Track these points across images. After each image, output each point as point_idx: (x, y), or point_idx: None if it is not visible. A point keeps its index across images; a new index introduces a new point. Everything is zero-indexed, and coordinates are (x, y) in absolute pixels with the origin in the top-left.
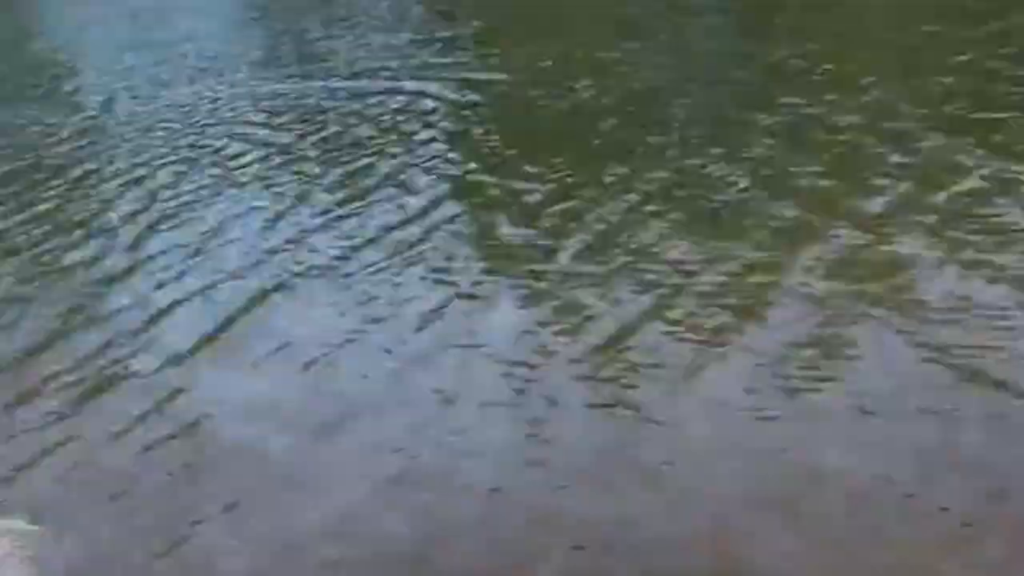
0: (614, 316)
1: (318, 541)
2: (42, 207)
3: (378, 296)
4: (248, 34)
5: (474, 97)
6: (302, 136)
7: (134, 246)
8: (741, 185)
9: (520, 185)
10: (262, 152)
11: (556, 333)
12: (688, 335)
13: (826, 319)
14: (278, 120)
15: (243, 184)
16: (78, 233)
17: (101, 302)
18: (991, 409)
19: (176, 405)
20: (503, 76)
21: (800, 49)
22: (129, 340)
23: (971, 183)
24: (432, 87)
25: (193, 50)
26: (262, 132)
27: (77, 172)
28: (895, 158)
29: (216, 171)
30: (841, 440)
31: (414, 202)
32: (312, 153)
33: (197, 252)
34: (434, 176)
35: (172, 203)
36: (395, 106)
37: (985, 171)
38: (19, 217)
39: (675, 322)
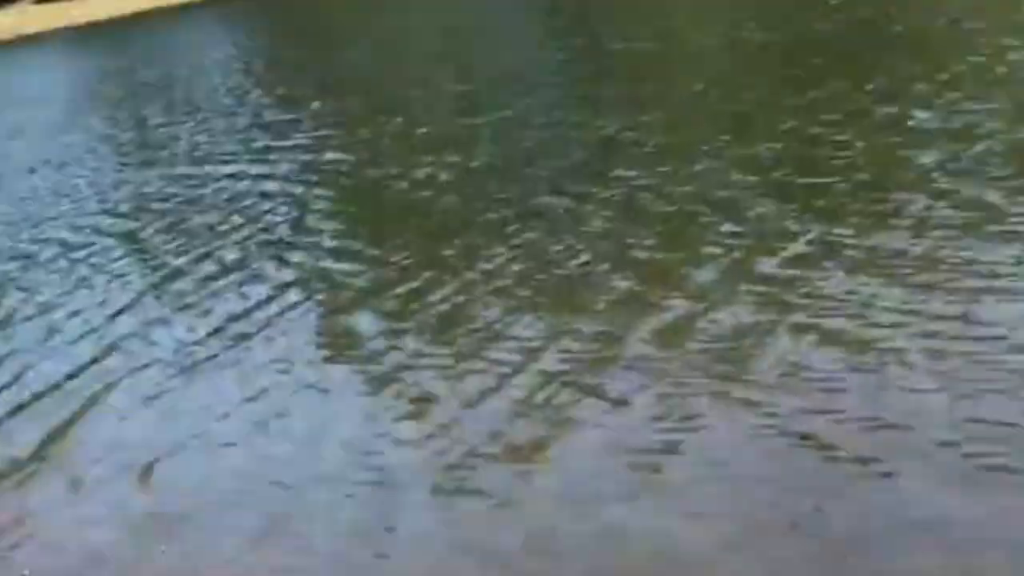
0: (457, 398)
1: None
2: None
3: (220, 389)
4: (88, 123)
5: (314, 180)
6: (143, 226)
7: None
8: (580, 259)
9: (362, 268)
10: (103, 243)
11: (399, 418)
12: (532, 414)
13: (665, 391)
14: (120, 209)
15: (84, 278)
16: None
17: None
18: (823, 472)
19: None
20: (343, 156)
21: (632, 120)
22: None
23: (799, 248)
24: (273, 171)
25: (31, 141)
26: (104, 222)
27: None
28: (726, 226)
29: (57, 264)
30: (687, 511)
31: (257, 290)
32: (153, 243)
33: (35, 350)
34: (276, 262)
35: (10, 300)
36: (237, 192)
37: (811, 236)
38: None
39: (519, 402)
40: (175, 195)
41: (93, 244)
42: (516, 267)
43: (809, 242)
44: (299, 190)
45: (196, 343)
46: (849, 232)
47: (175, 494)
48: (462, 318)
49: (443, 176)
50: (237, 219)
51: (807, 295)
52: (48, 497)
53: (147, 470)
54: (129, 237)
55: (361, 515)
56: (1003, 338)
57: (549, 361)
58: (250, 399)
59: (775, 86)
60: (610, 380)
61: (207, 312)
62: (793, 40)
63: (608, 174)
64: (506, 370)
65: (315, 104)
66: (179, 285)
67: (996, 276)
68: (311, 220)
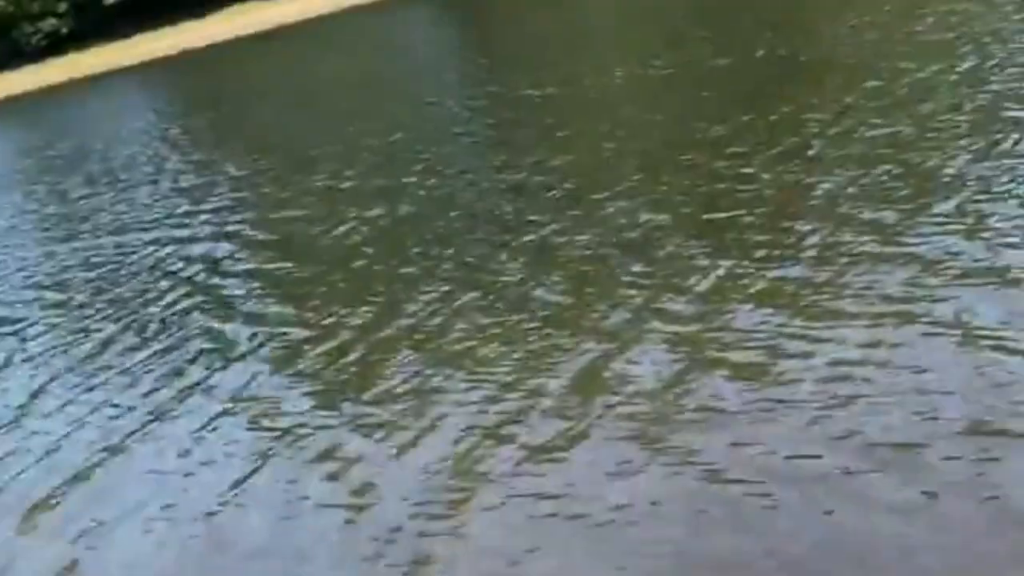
0: (377, 457)
1: None
2: None
3: (140, 463)
4: (7, 200)
5: (235, 242)
6: (66, 299)
7: None
8: (493, 309)
9: (283, 329)
10: (29, 317)
11: (319, 480)
12: (452, 469)
13: (583, 438)
14: (44, 283)
15: (8, 354)
16: None
17: None
18: (736, 508)
19: None
20: (263, 216)
21: (542, 165)
22: None
23: (707, 284)
24: (194, 235)
25: None
26: (28, 296)
27: None
28: (637, 267)
29: None
30: (604, 555)
31: (176, 360)
32: (76, 315)
33: None
34: (198, 330)
35: None
36: (159, 258)
37: (719, 271)
38: None
39: (439, 458)
40: (99, 265)
41: (18, 319)
42: (434, 321)
43: (718, 277)
44: (220, 253)
45: (117, 417)
46: (756, 265)
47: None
48: (380, 376)
49: (363, 231)
50: (160, 286)
51: (718, 329)
52: None
53: (73, 547)
54: (54, 310)
55: None
56: (905, 361)
57: (467, 415)
58: (170, 472)
59: (678, 122)
60: (529, 430)
61: (128, 385)
62: (695, 76)
63: (520, 221)
64: (424, 425)
65: (231, 168)
66: (102, 358)
67: (897, 300)
68: (232, 284)
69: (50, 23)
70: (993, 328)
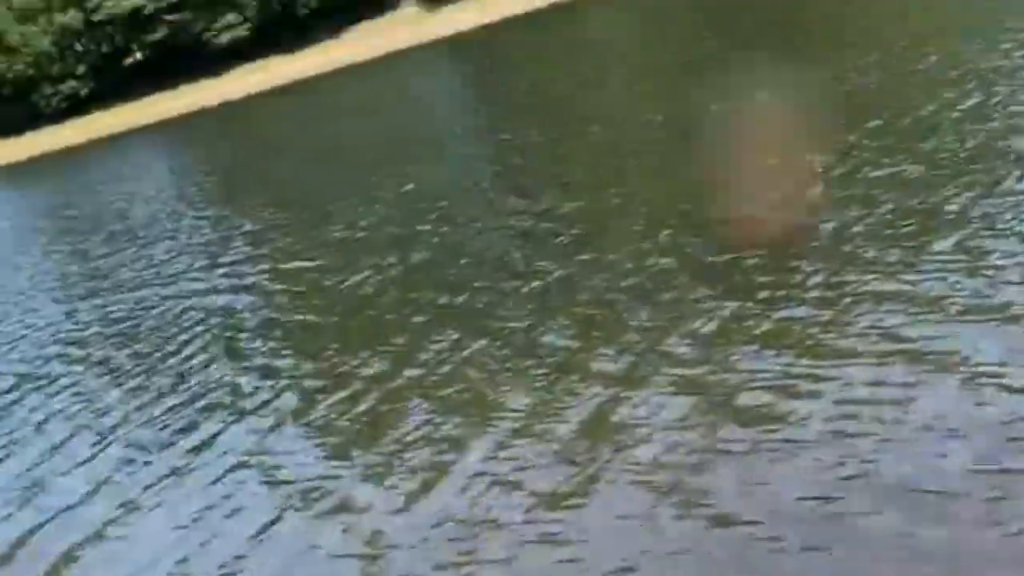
0: (386, 507)
1: None
2: None
3: (157, 521)
4: (29, 261)
5: (252, 294)
6: (89, 355)
7: None
8: (502, 356)
9: (296, 380)
10: (52, 374)
11: (331, 530)
12: (461, 516)
13: (586, 481)
14: (68, 339)
15: (32, 409)
16: None
17: None
18: (743, 551)
19: None
20: (280, 267)
21: (550, 212)
22: None
23: (713, 326)
24: (211, 289)
25: None
26: (53, 352)
27: None
28: (643, 311)
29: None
30: None
31: (191, 414)
32: (98, 370)
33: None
34: (210, 383)
35: None
36: (178, 312)
37: (726, 313)
38: None
39: (452, 508)
40: (118, 321)
41: (40, 376)
42: (443, 369)
43: (723, 319)
44: (236, 307)
45: (134, 472)
46: (761, 306)
47: None
48: (391, 425)
49: (375, 280)
50: (176, 341)
51: (723, 372)
52: None
53: None
54: (74, 366)
55: None
56: (911, 400)
57: (477, 462)
58: (186, 527)
59: (683, 167)
60: (539, 476)
61: (145, 440)
62: (700, 120)
63: (528, 267)
64: (434, 474)
65: (247, 224)
66: (120, 413)
67: (902, 339)
68: (246, 337)
69: (70, 85)
70: (996, 365)
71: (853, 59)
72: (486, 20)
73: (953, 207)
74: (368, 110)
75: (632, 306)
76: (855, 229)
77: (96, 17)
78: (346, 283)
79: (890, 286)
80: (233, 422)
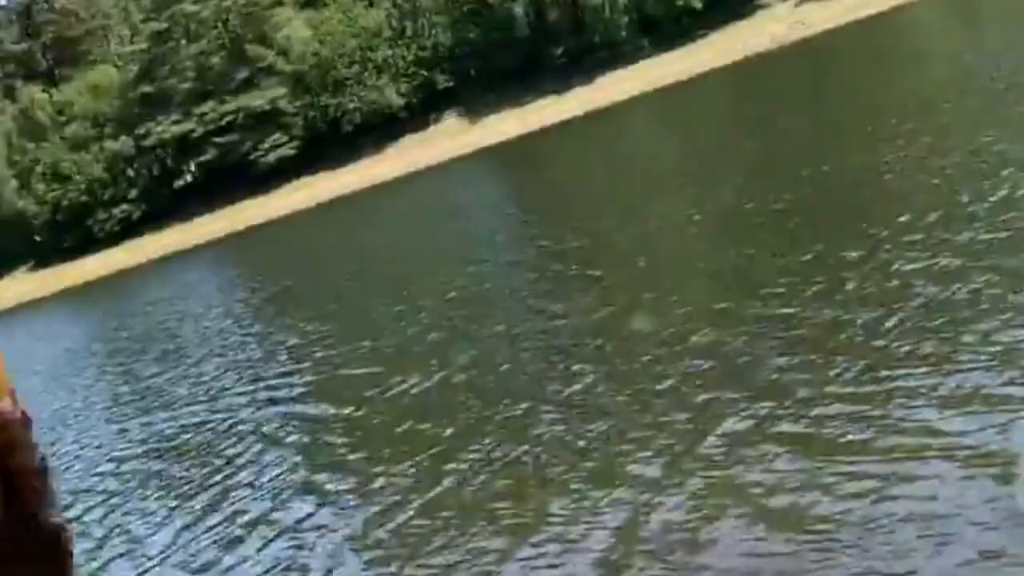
0: None
1: None
2: None
3: None
4: (85, 382)
5: (291, 411)
6: (138, 476)
7: None
8: (536, 464)
9: (335, 497)
10: (108, 492)
11: None
12: None
13: None
14: (122, 458)
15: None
16: None
17: None
18: None
19: None
20: (321, 382)
21: (587, 318)
22: None
23: (743, 428)
24: (254, 405)
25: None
26: (107, 471)
27: None
28: (673, 415)
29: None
30: None
31: (233, 530)
32: (149, 492)
33: None
34: (251, 500)
35: None
36: (221, 431)
37: (756, 415)
38: None
39: None
40: (167, 439)
41: (93, 491)
42: (479, 478)
43: (754, 421)
44: (276, 423)
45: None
46: (794, 406)
47: None
48: (430, 537)
49: (416, 390)
50: (223, 457)
51: (753, 474)
52: None
53: None
54: (123, 484)
55: None
56: (949, 497)
57: (514, 572)
58: None
59: (713, 268)
60: None
61: (192, 558)
62: (730, 220)
63: (562, 373)
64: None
65: (291, 339)
66: (166, 533)
67: (936, 434)
68: (287, 452)
69: (122, 209)
70: None
71: (884, 153)
72: (525, 130)
73: (985, 299)
74: (410, 222)
75: (667, 408)
76: (888, 323)
77: (146, 142)
78: (388, 394)
79: (924, 381)
80: (276, 537)
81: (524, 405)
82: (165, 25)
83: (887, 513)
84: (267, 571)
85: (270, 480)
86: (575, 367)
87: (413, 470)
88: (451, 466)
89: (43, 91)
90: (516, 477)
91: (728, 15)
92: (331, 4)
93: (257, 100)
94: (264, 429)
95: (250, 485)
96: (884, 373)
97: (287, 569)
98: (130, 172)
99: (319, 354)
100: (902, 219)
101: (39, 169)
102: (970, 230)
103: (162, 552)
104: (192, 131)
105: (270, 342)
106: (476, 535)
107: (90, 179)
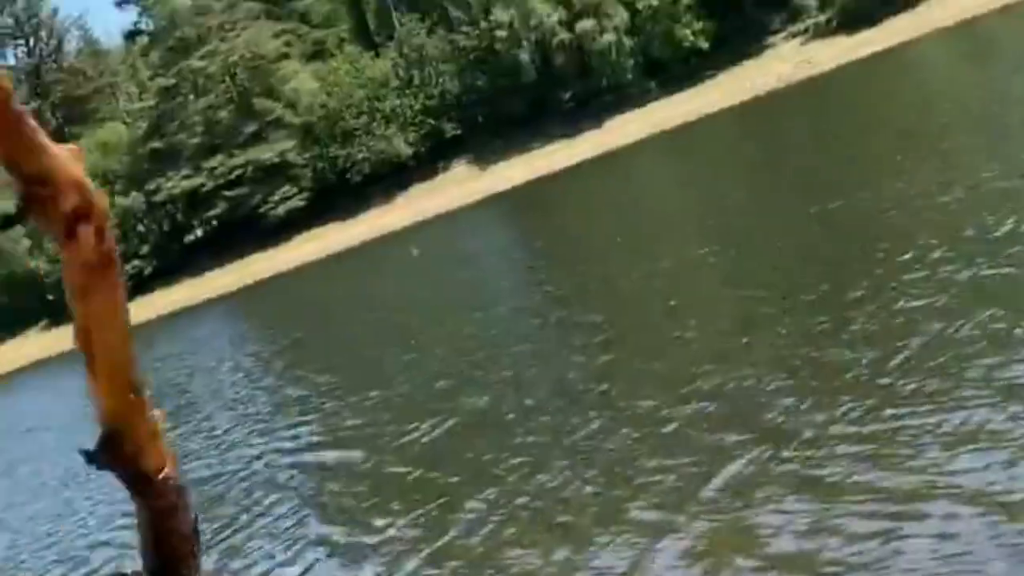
0: None
1: None
2: None
3: None
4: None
5: (297, 462)
6: None
7: None
8: (538, 512)
9: (342, 549)
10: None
11: None
12: None
13: None
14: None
15: None
16: None
17: None
18: None
19: None
20: (327, 433)
21: (588, 365)
22: None
23: (741, 473)
24: (263, 459)
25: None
26: (125, 532)
27: None
28: (671, 460)
29: None
30: None
31: None
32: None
33: None
34: (261, 554)
35: None
36: (230, 485)
37: (754, 460)
38: None
39: None
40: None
41: (114, 549)
42: (484, 529)
43: (752, 465)
44: (290, 473)
45: None
46: (797, 448)
47: None
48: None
49: (421, 440)
50: (232, 509)
51: (751, 519)
52: None
53: None
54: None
55: None
56: (941, 536)
57: None
58: None
59: (710, 315)
60: None
61: None
62: (728, 260)
63: (563, 423)
64: None
65: (320, 378)
66: None
67: (941, 473)
68: (299, 503)
69: (133, 265)
70: None
71: (890, 189)
72: (533, 175)
73: (988, 336)
74: (418, 271)
75: (673, 452)
76: (893, 362)
77: (156, 198)
78: (397, 443)
79: (929, 419)
80: None
81: (530, 452)
82: (173, 81)
83: (896, 553)
84: None
85: (281, 531)
86: (580, 413)
87: (422, 519)
88: (458, 515)
89: None
90: (523, 524)
91: (735, 55)
92: (337, 55)
93: (266, 153)
94: (275, 480)
95: (261, 535)
96: (889, 412)
97: None
98: (141, 228)
99: (328, 405)
100: (906, 256)
101: None
102: (972, 266)
103: None
104: (202, 185)
105: (280, 395)
106: None
107: None
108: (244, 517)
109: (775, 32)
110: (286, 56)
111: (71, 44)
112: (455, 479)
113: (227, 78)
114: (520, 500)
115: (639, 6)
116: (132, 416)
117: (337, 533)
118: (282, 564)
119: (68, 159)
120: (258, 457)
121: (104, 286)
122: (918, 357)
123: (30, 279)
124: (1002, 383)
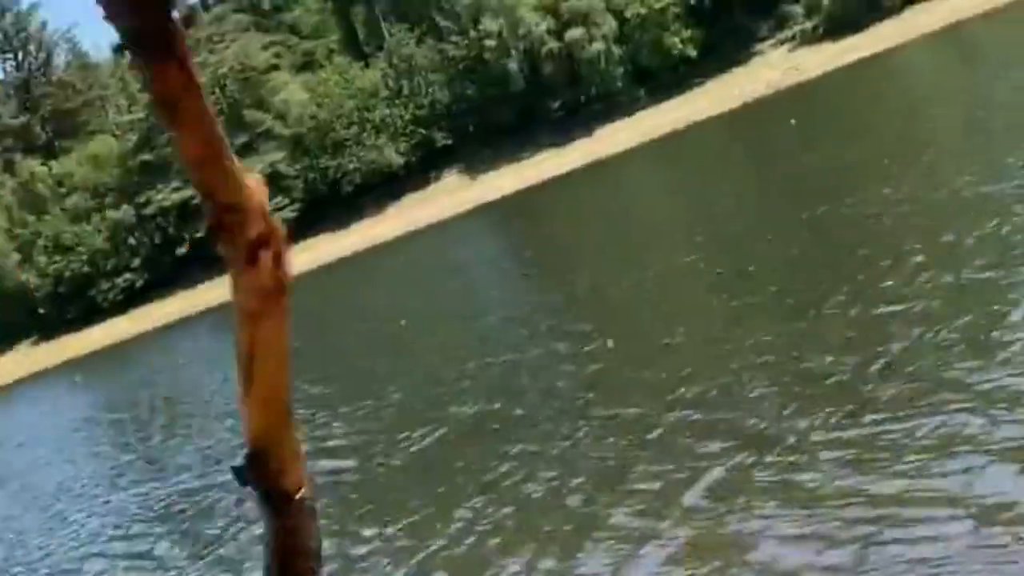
0: None
1: None
2: None
3: None
4: (87, 449)
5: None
6: (146, 541)
7: None
8: (523, 518)
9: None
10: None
11: None
12: None
13: None
14: (125, 527)
15: None
16: None
17: None
18: None
19: None
20: (321, 443)
21: (575, 373)
22: None
23: (724, 479)
24: None
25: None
26: (114, 545)
27: None
28: (655, 467)
29: None
30: None
31: None
32: (152, 557)
33: None
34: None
35: None
36: (219, 497)
37: (737, 464)
38: None
39: None
40: (169, 504)
41: (98, 554)
42: (472, 537)
43: (735, 470)
44: None
45: None
46: (769, 457)
47: None
48: None
49: (408, 450)
50: (222, 522)
51: (732, 525)
52: None
53: None
54: (137, 556)
55: None
56: (920, 541)
57: None
58: None
59: (695, 320)
60: None
61: None
62: (720, 269)
63: (551, 429)
64: None
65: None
66: None
67: (920, 477)
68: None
69: (125, 278)
70: (1006, 502)
71: (875, 195)
72: (523, 184)
73: (966, 341)
74: (410, 280)
75: (655, 459)
76: (872, 368)
77: (147, 211)
78: (386, 453)
79: (907, 424)
80: None
81: (519, 461)
82: None
83: (876, 557)
84: None
85: (259, 551)
86: (569, 421)
87: (409, 528)
88: (446, 524)
89: (43, 164)
90: (508, 533)
91: (723, 63)
92: (327, 66)
93: (256, 164)
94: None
95: (251, 546)
96: (869, 417)
97: None
98: (132, 241)
99: (321, 416)
100: (888, 262)
101: (40, 242)
102: (952, 272)
103: None
104: (192, 198)
105: None
106: None
107: (92, 250)
108: (232, 529)
109: (763, 40)
110: (275, 67)
111: (60, 57)
112: (443, 488)
113: (216, 90)
114: (507, 509)
115: (627, 15)
116: (280, 437)
117: (324, 543)
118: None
119: (256, 187)
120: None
121: (276, 311)
122: (898, 362)
123: (20, 293)
124: (981, 388)
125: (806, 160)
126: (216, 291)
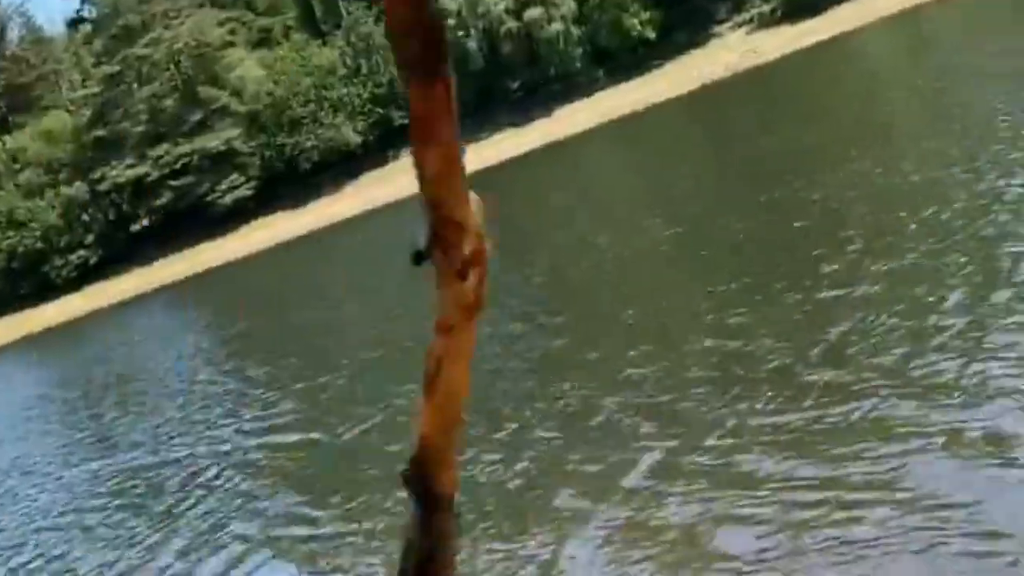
0: None
1: None
2: None
3: None
4: (45, 427)
5: (258, 448)
6: (99, 518)
7: None
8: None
9: (294, 528)
10: (67, 543)
11: None
12: None
13: None
14: (80, 503)
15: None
16: None
17: None
18: None
19: None
20: (273, 421)
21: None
22: None
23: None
24: (209, 445)
25: None
26: (66, 519)
27: None
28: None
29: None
30: None
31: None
32: (104, 535)
33: None
34: (219, 533)
35: None
36: (183, 473)
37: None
38: None
39: None
40: (130, 478)
41: (56, 528)
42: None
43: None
44: (230, 462)
45: None
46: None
47: None
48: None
49: (358, 429)
50: (185, 493)
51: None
52: None
53: None
54: (88, 530)
55: None
56: (852, 523)
57: None
58: None
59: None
60: None
61: None
62: (672, 252)
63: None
64: None
65: (259, 370)
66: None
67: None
68: (243, 481)
69: (78, 255)
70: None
71: (828, 179)
72: (481, 165)
73: (903, 327)
74: (368, 260)
75: (598, 444)
76: (812, 352)
77: (101, 187)
78: (332, 432)
79: (843, 408)
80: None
81: (478, 447)
82: (117, 68)
83: (811, 540)
84: None
85: (209, 527)
86: (515, 403)
87: (350, 513)
88: (388, 509)
89: None
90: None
91: (681, 45)
92: (283, 43)
93: (212, 141)
94: (213, 469)
95: (195, 528)
96: (808, 402)
97: None
98: (85, 217)
99: (272, 395)
100: (833, 247)
101: None
102: (895, 257)
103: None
104: (147, 175)
105: (226, 385)
106: None
107: (45, 226)
108: (183, 506)
109: (721, 22)
110: (231, 44)
111: (13, 32)
112: (388, 468)
113: (172, 66)
114: (484, 501)
115: None
116: (448, 442)
117: (258, 528)
118: (205, 559)
119: (477, 206)
120: (192, 453)
121: (469, 326)
122: (838, 347)
123: None
124: (917, 373)
125: (764, 143)
126: (171, 268)
